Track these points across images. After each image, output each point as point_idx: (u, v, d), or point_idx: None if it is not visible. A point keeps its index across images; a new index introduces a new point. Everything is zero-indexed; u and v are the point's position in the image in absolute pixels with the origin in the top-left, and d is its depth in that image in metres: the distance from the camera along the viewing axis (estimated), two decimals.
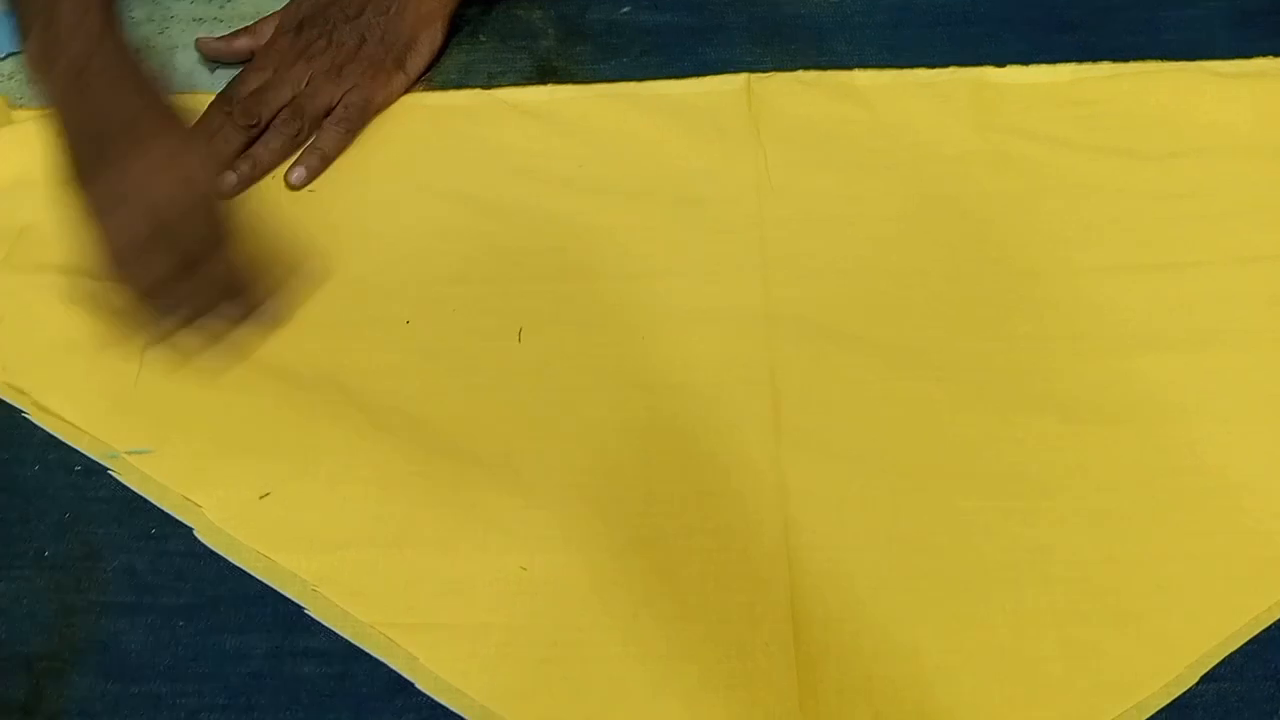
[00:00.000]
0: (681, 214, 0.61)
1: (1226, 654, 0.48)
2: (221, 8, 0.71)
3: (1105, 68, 0.66)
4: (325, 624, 0.49)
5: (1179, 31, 0.68)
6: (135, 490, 0.53)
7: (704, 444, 0.54)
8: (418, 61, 0.67)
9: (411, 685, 0.48)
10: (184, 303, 0.55)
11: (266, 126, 0.64)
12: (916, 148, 0.63)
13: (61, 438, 0.54)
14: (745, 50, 0.68)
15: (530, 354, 0.57)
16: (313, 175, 0.63)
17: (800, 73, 0.66)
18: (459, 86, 0.67)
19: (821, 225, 0.60)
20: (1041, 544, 0.50)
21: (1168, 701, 0.47)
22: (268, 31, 0.67)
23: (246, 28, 0.68)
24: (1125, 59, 0.66)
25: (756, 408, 0.54)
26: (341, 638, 0.49)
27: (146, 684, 0.48)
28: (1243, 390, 0.55)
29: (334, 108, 0.64)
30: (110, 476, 0.53)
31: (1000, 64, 0.66)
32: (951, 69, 0.66)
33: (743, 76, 0.66)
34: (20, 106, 0.66)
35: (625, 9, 0.70)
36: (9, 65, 0.69)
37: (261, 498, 0.52)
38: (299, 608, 0.50)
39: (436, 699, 0.47)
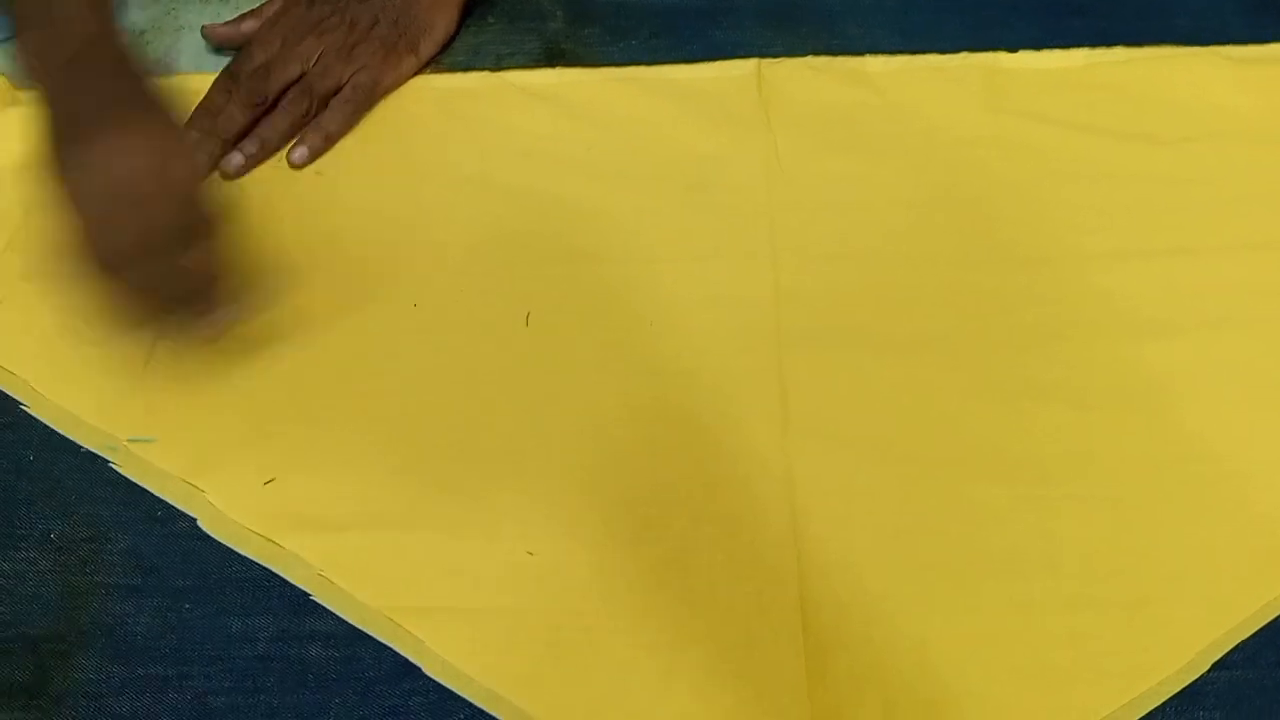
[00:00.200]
0: (690, 199, 0.61)
1: (1238, 641, 0.48)
2: None
3: (1118, 53, 0.66)
4: (331, 609, 0.49)
5: (1192, 17, 0.67)
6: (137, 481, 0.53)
7: (711, 431, 0.53)
8: (430, 45, 0.66)
9: (418, 669, 0.48)
10: (152, 285, 0.52)
11: (273, 104, 0.63)
12: (927, 133, 0.63)
13: (62, 431, 0.54)
14: (755, 33, 0.67)
15: (537, 338, 0.56)
16: (315, 155, 0.63)
17: (811, 58, 0.66)
18: (467, 69, 0.67)
19: (831, 211, 0.60)
20: (1051, 531, 0.50)
21: (1179, 689, 0.47)
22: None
23: (253, 10, 0.67)
24: (1138, 44, 0.66)
25: (764, 394, 0.54)
26: (348, 621, 0.49)
27: (152, 666, 0.48)
28: (1253, 377, 0.54)
29: (341, 87, 0.64)
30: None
31: (1012, 49, 0.66)
32: (963, 54, 0.66)
33: (753, 61, 0.66)
34: (25, 89, 0.66)
35: None
36: (13, 47, 0.68)
37: (265, 484, 0.52)
38: (305, 591, 0.50)
39: (443, 683, 0.47)
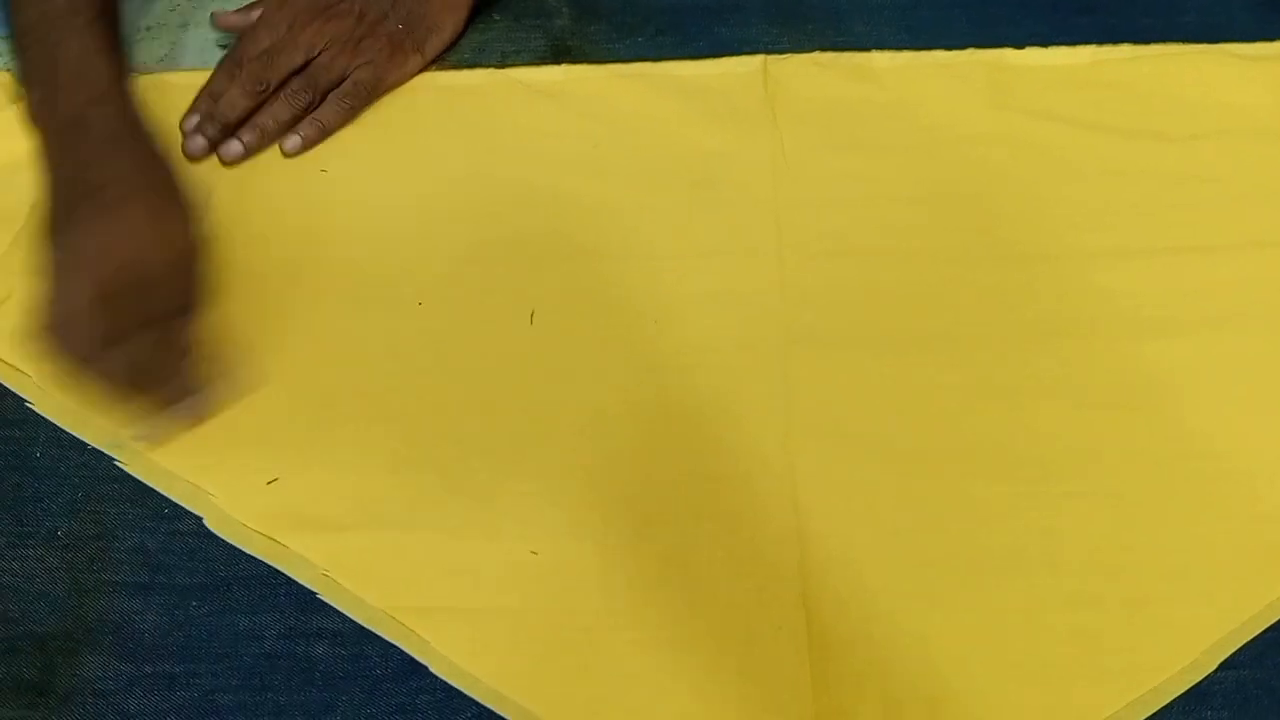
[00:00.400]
0: (696, 196, 0.61)
1: (1245, 641, 0.48)
2: None
3: (1125, 50, 0.65)
4: (337, 608, 0.49)
5: (1199, 14, 0.67)
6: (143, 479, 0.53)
7: (716, 428, 0.53)
8: (436, 46, 0.66)
9: (426, 667, 0.48)
10: (124, 368, 0.51)
11: (275, 90, 0.62)
12: (933, 130, 0.63)
13: (67, 428, 0.54)
14: (762, 30, 0.67)
15: (542, 336, 0.56)
16: (308, 145, 0.62)
17: (817, 54, 0.66)
18: (473, 66, 0.66)
19: (837, 208, 0.60)
20: (1053, 529, 0.50)
21: (1186, 688, 0.47)
22: None
23: None
24: (1145, 41, 0.65)
25: (768, 391, 0.54)
26: (355, 619, 0.49)
27: (160, 664, 0.48)
28: (1257, 375, 0.54)
29: (344, 79, 0.63)
30: None
31: (1019, 45, 0.66)
32: (969, 50, 0.65)
33: (759, 58, 0.65)
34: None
35: None
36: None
37: (269, 483, 0.52)
38: (312, 590, 0.50)
39: (450, 682, 0.48)
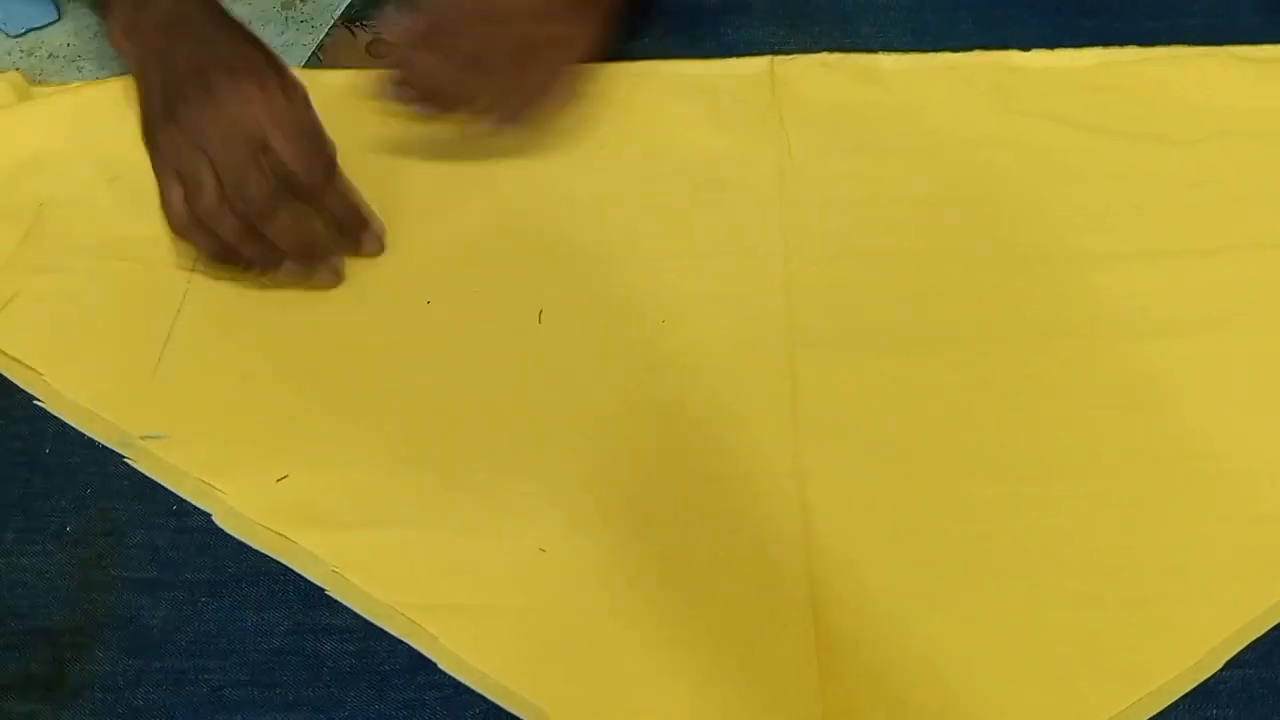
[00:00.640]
0: (702, 196, 0.61)
1: (1250, 640, 0.48)
2: None
3: (1129, 52, 0.66)
4: (346, 604, 0.49)
5: (1204, 16, 0.67)
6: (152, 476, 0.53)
7: (720, 428, 0.54)
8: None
9: (433, 663, 0.48)
10: (283, 236, 0.54)
11: None
12: (938, 132, 0.63)
13: (76, 425, 0.54)
14: (769, 31, 0.67)
15: (548, 336, 0.57)
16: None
17: (823, 55, 0.66)
18: None
19: (842, 209, 0.60)
20: (1057, 529, 0.50)
21: (1191, 687, 0.47)
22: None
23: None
24: (1149, 44, 0.66)
25: (774, 392, 0.54)
26: (363, 616, 0.49)
27: (168, 659, 0.48)
28: (1258, 376, 0.55)
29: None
30: None
31: (1024, 48, 0.66)
32: (975, 52, 0.66)
33: (766, 59, 0.66)
34: (39, 83, 0.66)
35: None
36: (28, 41, 0.69)
37: (278, 480, 0.52)
38: (320, 586, 0.50)
39: (458, 678, 0.48)
